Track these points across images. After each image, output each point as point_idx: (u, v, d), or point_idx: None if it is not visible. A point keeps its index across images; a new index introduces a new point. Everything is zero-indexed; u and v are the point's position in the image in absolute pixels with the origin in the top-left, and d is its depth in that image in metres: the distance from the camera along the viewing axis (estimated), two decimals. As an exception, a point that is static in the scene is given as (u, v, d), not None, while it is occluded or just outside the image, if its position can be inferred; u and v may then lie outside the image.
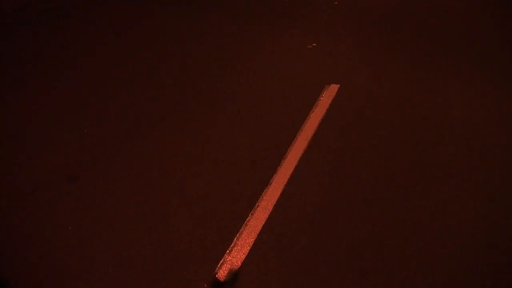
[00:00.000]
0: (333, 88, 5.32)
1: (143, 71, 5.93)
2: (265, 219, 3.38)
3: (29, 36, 7.21)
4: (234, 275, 2.97)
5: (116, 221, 3.39)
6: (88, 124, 4.65)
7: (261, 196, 3.59)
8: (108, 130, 4.53)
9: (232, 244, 3.17)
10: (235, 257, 3.09)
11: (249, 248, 3.15)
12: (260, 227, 3.31)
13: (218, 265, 3.02)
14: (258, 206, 3.49)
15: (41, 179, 3.83)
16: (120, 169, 3.94)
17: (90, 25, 7.95)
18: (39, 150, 4.24)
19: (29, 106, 5.06)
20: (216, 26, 7.81)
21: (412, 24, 7.92)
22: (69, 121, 4.75)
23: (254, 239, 3.22)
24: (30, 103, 5.11)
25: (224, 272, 2.97)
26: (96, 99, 5.19)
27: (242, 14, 8.54)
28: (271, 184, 3.71)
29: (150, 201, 3.58)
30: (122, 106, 5.02)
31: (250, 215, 3.41)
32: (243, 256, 3.09)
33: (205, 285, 2.90)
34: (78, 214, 3.47)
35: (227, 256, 3.09)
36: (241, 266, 3.02)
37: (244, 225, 3.33)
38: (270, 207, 3.48)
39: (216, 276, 2.95)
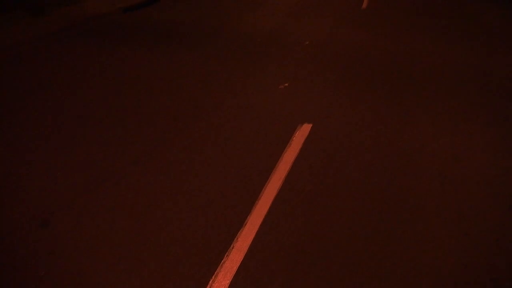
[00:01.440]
0: (306, 128, 5.51)
1: (119, 112, 6.03)
2: (241, 260, 3.47)
3: (5, 79, 7.26)
4: (210, 318, 3.02)
5: (88, 268, 3.43)
6: (62, 167, 4.69)
7: (236, 237, 3.68)
8: (82, 174, 4.59)
9: (208, 287, 3.23)
10: (211, 299, 3.15)
11: (225, 290, 3.22)
12: (235, 268, 3.39)
13: (194, 308, 3.08)
14: (233, 247, 3.58)
15: (13, 223, 3.84)
16: (93, 214, 3.98)
17: (69, 67, 8.05)
18: (12, 193, 4.26)
19: (1, 148, 5.08)
20: (188, 67, 8.01)
21: (383, 63, 8.29)
22: (41, 164, 4.78)
23: (230, 280, 3.29)
24: (3, 145, 5.14)
25: (200, 315, 3.03)
26: (70, 142, 5.25)
27: (214, 56, 8.79)
28: (245, 224, 3.82)
29: (123, 247, 3.63)
30: (97, 148, 5.09)
31: (225, 256, 3.49)
32: (219, 298, 3.16)
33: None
34: (50, 259, 3.49)
35: (203, 299, 3.15)
36: (217, 308, 3.09)
37: (219, 266, 3.40)
38: (245, 248, 3.57)
39: (192, 319, 3.00)
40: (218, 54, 8.88)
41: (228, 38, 10.19)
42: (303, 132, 5.42)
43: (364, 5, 14.53)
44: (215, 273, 3.35)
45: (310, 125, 5.59)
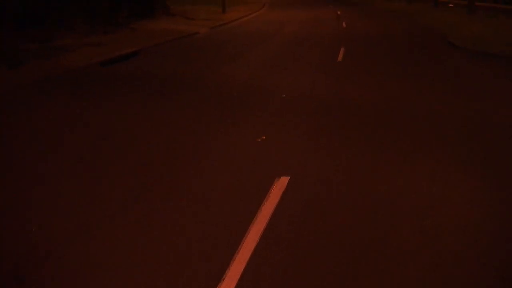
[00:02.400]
0: (284, 181, 5.64)
1: (95, 165, 6.10)
2: (219, 317, 3.50)
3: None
4: None
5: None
6: (37, 221, 4.71)
7: (214, 293, 3.72)
8: (58, 228, 4.60)
9: None
10: None
11: None
12: (213, 325, 3.42)
13: None
14: (211, 304, 3.61)
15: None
16: (67, 271, 3.99)
17: (45, 119, 8.14)
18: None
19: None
20: (164, 120, 8.18)
21: (360, 113, 8.59)
22: (16, 218, 4.79)
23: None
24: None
25: None
26: (46, 194, 5.28)
27: (191, 108, 9.00)
28: (224, 279, 3.86)
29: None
30: (73, 201, 5.13)
31: (203, 313, 3.52)
32: None
33: None
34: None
35: None
36: None
37: (197, 324, 3.43)
38: (224, 304, 3.61)
39: None
40: (195, 106, 9.09)
41: (205, 90, 10.46)
42: (280, 185, 5.54)
43: (340, 57, 15.06)
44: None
45: (288, 178, 5.72)
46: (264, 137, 7.19)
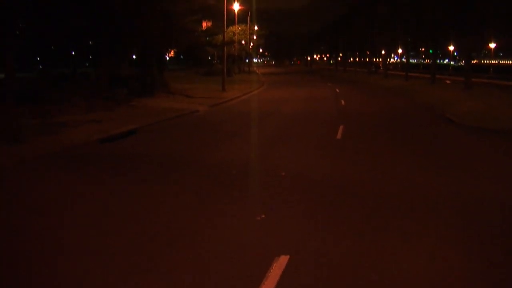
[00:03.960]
0: (283, 260, 5.69)
1: (90, 241, 6.16)
2: None
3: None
4: None
5: None
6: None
7: None
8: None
9: None
10: None
11: None
12: None
13: None
14: None
15: None
16: None
17: (42, 195, 8.26)
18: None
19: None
20: (160, 200, 8.30)
21: (359, 190, 8.74)
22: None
23: None
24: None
25: None
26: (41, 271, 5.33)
27: (190, 187, 9.16)
28: None
29: None
30: (71, 277, 5.15)
31: None
32: None
33: None
34: None
35: None
36: None
37: None
38: None
39: None
40: (194, 185, 9.24)
41: (204, 169, 10.65)
42: (280, 264, 5.58)
43: (339, 135, 15.41)
44: None
45: (287, 257, 5.77)
46: (263, 216, 7.29)
